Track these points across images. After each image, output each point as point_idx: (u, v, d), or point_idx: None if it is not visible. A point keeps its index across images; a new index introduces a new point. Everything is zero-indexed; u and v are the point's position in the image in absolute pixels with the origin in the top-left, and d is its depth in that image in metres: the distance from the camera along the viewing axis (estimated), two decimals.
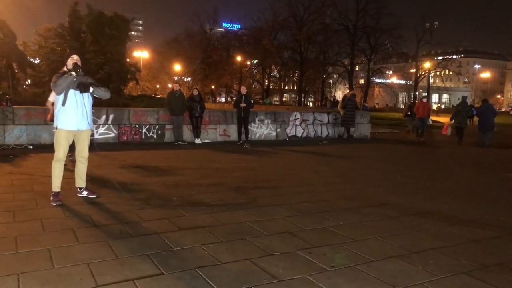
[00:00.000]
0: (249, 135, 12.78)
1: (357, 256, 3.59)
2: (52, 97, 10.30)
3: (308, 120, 14.84)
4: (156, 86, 70.85)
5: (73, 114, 4.86)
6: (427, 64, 57.72)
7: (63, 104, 4.83)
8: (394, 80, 77.11)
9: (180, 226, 4.26)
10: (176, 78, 59.78)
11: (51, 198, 4.95)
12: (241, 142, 12.31)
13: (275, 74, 60.76)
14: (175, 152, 10.13)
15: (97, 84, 5.10)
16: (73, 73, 4.79)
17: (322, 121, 15.15)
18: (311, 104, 67.23)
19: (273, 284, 3.01)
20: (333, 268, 3.33)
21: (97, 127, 11.06)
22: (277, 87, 62.10)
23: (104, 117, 11.23)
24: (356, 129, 15.41)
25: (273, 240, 3.93)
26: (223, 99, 66.03)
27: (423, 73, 58.85)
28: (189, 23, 63.23)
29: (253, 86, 56.55)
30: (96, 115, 10.63)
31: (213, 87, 57.23)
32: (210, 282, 2.99)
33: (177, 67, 59.49)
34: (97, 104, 6.01)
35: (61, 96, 4.84)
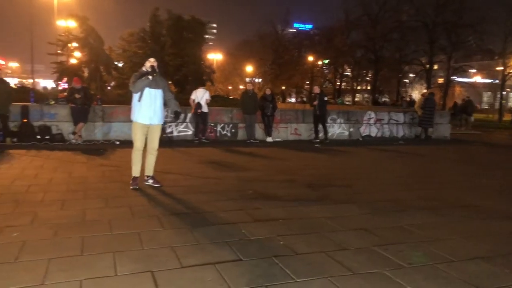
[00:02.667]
0: (328, 134, 12.69)
1: (436, 255, 3.48)
2: (194, 95, 11.28)
3: (383, 119, 14.41)
4: (228, 87, 72.64)
5: (146, 110, 5.46)
6: None
7: (139, 100, 5.46)
8: (478, 79, 71.86)
9: (255, 217, 4.41)
10: (247, 79, 60.85)
11: (131, 181, 5.52)
12: (318, 140, 12.34)
13: (347, 73, 59.48)
14: (248, 149, 10.39)
15: (171, 91, 5.84)
16: (150, 76, 5.41)
17: (398, 121, 14.63)
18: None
19: (349, 276, 3.04)
20: (410, 265, 3.27)
21: (176, 125, 11.75)
22: (349, 87, 60.77)
23: (182, 116, 11.82)
24: (435, 130, 14.66)
25: (347, 236, 3.93)
26: (293, 99, 65.93)
27: (511, 71, 54.16)
28: (262, 25, 64.05)
29: (324, 85, 55.76)
30: None
31: (283, 87, 57.43)
32: (286, 270, 3.08)
33: (249, 68, 60.52)
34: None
35: (138, 93, 5.46)
